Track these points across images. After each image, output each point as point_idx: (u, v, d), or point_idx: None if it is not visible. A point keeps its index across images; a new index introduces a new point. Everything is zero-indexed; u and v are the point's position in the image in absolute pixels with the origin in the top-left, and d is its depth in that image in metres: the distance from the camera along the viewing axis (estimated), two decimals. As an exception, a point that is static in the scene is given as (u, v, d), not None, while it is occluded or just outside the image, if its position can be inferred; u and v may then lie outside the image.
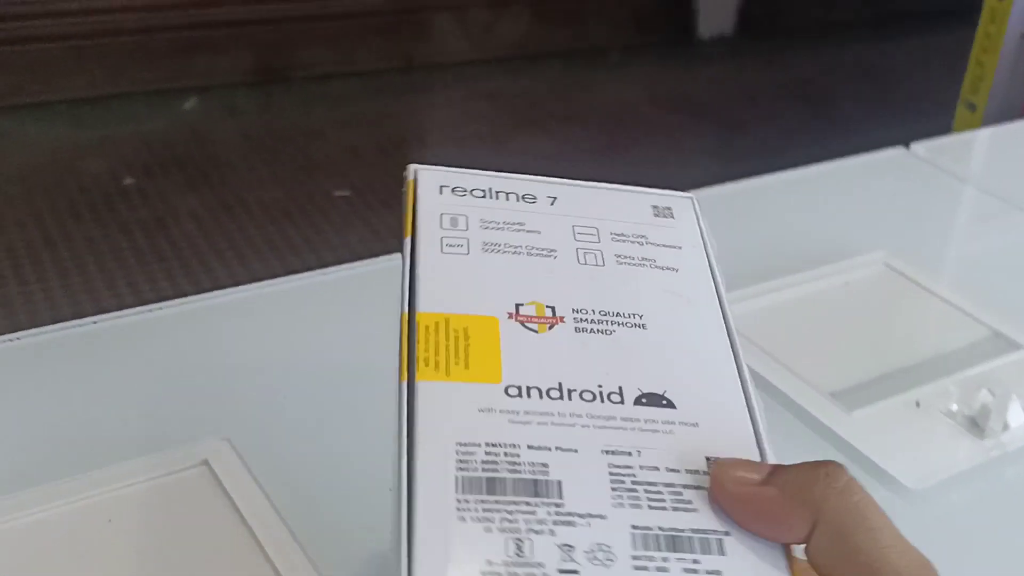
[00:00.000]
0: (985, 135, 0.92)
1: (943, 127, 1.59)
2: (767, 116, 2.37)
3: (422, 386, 0.27)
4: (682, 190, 0.35)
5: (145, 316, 0.51)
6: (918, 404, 0.51)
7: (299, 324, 0.53)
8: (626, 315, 0.31)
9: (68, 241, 1.66)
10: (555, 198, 0.34)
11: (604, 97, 2.39)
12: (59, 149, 1.94)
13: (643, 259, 0.33)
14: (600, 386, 0.28)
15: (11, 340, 0.48)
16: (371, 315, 0.54)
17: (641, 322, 0.30)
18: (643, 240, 0.33)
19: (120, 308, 0.51)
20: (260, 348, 0.51)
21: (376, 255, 0.59)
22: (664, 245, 0.33)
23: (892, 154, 0.79)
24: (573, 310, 0.30)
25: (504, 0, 2.47)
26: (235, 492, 0.40)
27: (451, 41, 2.42)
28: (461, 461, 0.26)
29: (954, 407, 0.51)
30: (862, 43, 2.80)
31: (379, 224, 1.76)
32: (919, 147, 0.80)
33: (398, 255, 0.61)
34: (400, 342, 0.29)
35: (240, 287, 0.54)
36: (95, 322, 0.50)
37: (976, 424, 0.50)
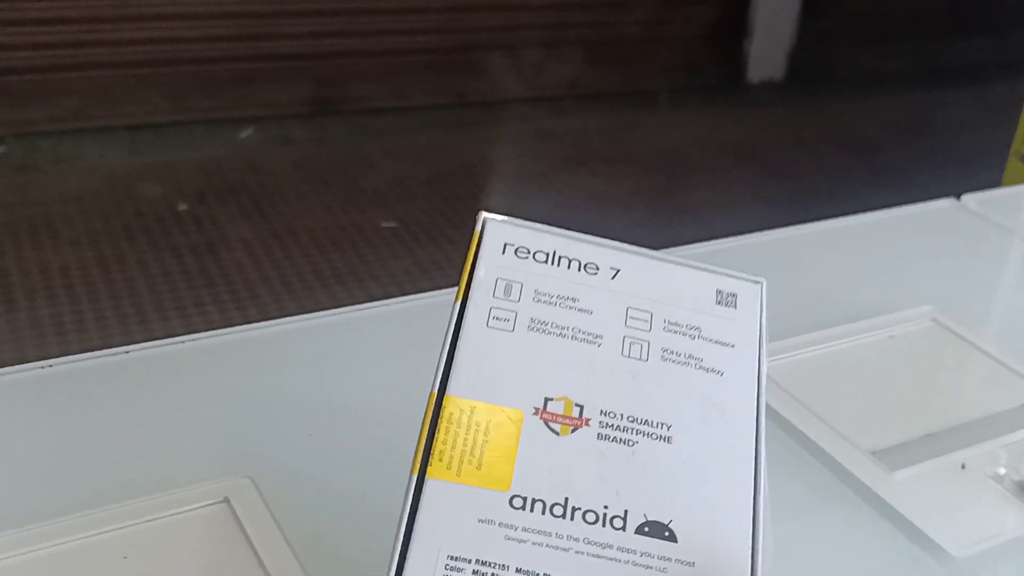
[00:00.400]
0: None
1: (993, 179, 1.56)
2: (815, 163, 2.34)
3: (430, 484, 0.27)
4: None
5: (175, 348, 0.51)
6: (963, 466, 0.49)
7: (331, 361, 0.53)
8: (654, 424, 0.30)
9: (120, 263, 1.69)
10: (618, 271, 0.33)
11: (652, 139, 2.39)
12: (117, 173, 1.99)
13: (689, 357, 0.31)
14: (606, 507, 0.28)
15: (43, 367, 0.48)
16: (404, 354, 0.53)
17: (667, 434, 0.30)
18: (696, 333, 0.32)
19: (167, 332, 0.51)
20: (290, 384, 0.51)
21: (419, 286, 0.59)
22: (716, 342, 0.32)
23: (942, 205, 0.77)
24: (601, 412, 0.30)
25: (555, 41, 2.49)
26: (253, 532, 0.39)
27: (502, 79, 2.44)
28: None
29: (1001, 471, 0.49)
30: (913, 94, 2.77)
31: (423, 256, 1.77)
32: (970, 199, 0.78)
33: (433, 293, 0.61)
34: (422, 424, 0.28)
35: (271, 321, 0.54)
36: (127, 351, 0.50)
37: (1025, 490, 0.48)
